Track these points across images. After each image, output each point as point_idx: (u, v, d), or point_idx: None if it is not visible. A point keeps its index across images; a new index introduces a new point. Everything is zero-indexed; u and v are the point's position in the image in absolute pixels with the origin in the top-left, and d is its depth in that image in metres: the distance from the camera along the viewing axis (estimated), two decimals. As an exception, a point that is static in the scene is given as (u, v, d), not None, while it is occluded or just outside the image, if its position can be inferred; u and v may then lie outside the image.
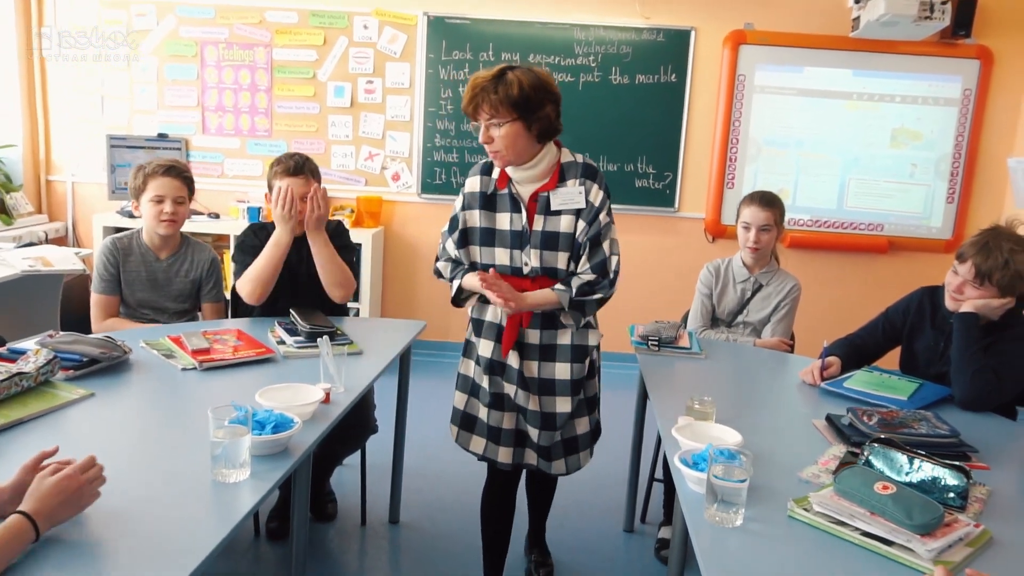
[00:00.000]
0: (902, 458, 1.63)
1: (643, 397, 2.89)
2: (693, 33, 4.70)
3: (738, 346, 2.85)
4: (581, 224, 2.16)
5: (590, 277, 2.16)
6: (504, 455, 2.27)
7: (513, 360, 2.21)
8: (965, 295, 2.26)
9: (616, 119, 4.78)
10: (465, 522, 2.95)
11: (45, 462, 1.39)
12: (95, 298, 2.75)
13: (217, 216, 4.75)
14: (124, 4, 4.74)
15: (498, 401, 2.25)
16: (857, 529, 1.44)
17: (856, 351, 2.55)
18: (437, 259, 2.38)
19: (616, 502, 3.12)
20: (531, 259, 2.18)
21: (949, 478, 1.58)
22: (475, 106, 2.10)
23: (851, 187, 4.82)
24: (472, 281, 2.21)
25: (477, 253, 2.25)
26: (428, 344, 4.92)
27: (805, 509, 1.52)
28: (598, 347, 2.35)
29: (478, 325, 2.31)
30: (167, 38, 4.78)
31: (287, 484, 2.50)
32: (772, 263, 2.97)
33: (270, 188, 2.73)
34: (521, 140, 2.10)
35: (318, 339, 2.17)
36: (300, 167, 2.67)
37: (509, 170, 2.18)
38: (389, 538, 2.87)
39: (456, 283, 2.29)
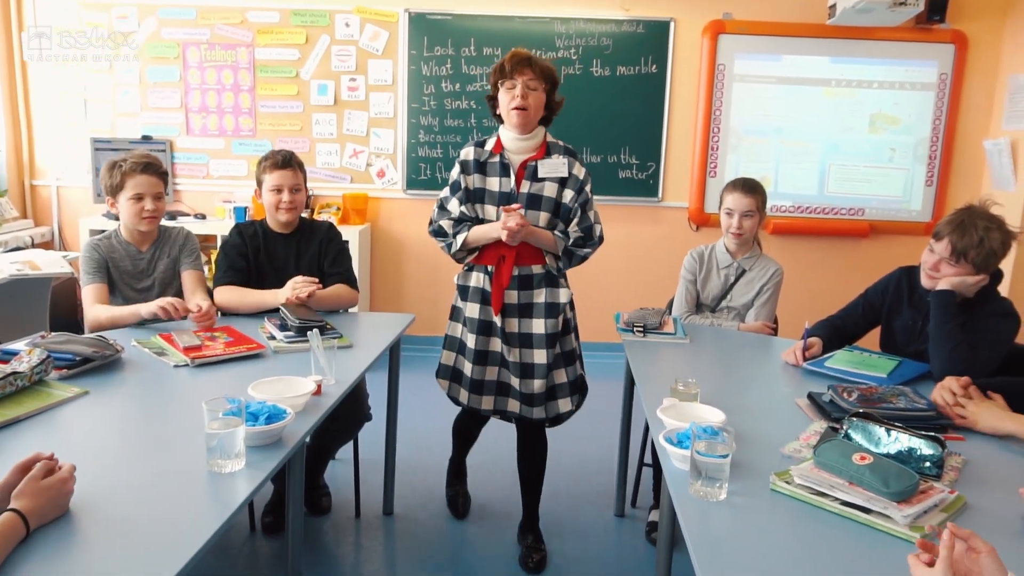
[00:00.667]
0: (880, 430, 1.68)
1: (630, 384, 2.94)
2: (672, 24, 4.74)
3: (722, 330, 2.90)
4: (569, 192, 2.51)
5: (581, 235, 2.50)
6: (487, 403, 2.64)
7: (496, 319, 2.53)
8: (941, 273, 2.32)
9: (598, 111, 4.82)
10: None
11: (27, 462, 1.41)
12: (86, 290, 2.71)
13: (204, 217, 4.77)
14: (105, 7, 4.74)
15: (482, 357, 2.58)
16: (837, 499, 1.48)
17: (837, 332, 2.61)
18: (432, 221, 2.63)
19: (606, 488, 3.17)
20: None
21: (925, 448, 1.63)
22: (522, 66, 2.42)
23: (831, 173, 4.89)
24: (481, 231, 2.51)
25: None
26: (417, 339, 4.95)
27: (787, 482, 1.56)
28: (572, 306, 2.66)
29: (464, 291, 2.62)
30: (149, 40, 4.78)
31: (281, 478, 2.54)
32: (755, 248, 3.02)
33: (259, 184, 2.85)
34: (540, 109, 2.49)
35: (308, 332, 2.20)
36: (288, 160, 2.82)
37: (506, 141, 2.52)
38: (384, 529, 2.91)
39: (460, 238, 2.54)
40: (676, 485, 1.59)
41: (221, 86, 4.85)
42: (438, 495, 3.14)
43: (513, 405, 2.60)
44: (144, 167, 2.72)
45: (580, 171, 2.52)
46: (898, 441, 1.65)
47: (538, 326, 2.55)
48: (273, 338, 2.48)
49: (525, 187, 2.50)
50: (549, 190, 2.50)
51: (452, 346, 2.67)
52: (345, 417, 2.68)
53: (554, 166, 2.50)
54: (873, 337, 2.65)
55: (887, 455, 1.61)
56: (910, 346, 2.46)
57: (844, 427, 1.74)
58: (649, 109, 4.84)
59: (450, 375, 2.67)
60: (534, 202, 2.49)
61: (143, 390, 2.08)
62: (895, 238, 4.93)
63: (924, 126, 4.82)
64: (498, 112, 2.53)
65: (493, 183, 2.52)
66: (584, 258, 2.55)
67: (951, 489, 1.53)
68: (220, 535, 1.38)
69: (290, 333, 2.47)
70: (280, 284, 2.74)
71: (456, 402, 2.71)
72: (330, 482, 3.08)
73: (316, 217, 4.71)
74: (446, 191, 2.60)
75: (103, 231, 2.86)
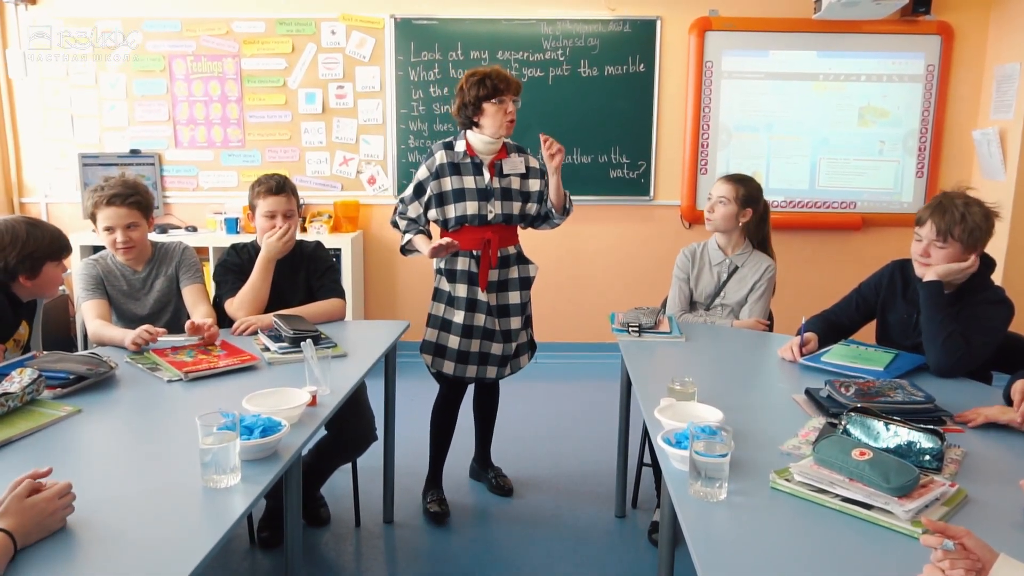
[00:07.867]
0: (878, 425, 1.68)
1: (627, 385, 2.93)
2: (659, 22, 4.74)
3: (718, 328, 2.89)
4: (537, 182, 2.94)
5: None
6: (471, 371, 2.97)
7: (482, 295, 2.87)
8: (932, 258, 2.32)
9: (587, 111, 4.82)
10: (458, 516, 3.00)
11: (20, 480, 1.39)
12: (86, 305, 2.68)
13: (195, 229, 4.75)
14: (89, 21, 4.72)
15: (468, 331, 2.90)
16: (837, 496, 1.48)
17: (832, 327, 2.60)
18: (394, 213, 2.97)
19: (607, 489, 3.16)
20: (495, 208, 2.86)
21: (924, 441, 1.62)
22: (513, 87, 2.80)
23: (822, 167, 4.89)
24: (420, 244, 2.86)
25: (452, 209, 2.85)
26: (412, 345, 4.87)
27: (787, 480, 1.55)
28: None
29: (451, 274, 2.91)
30: (134, 53, 4.76)
31: (276, 493, 2.52)
32: (747, 245, 3.01)
33: (252, 208, 2.84)
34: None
35: (302, 343, 2.18)
36: (281, 187, 2.81)
37: (476, 144, 2.84)
38: (384, 538, 2.90)
39: (408, 236, 2.91)
40: (676, 486, 1.58)
41: (208, 97, 4.83)
42: (438, 502, 3.13)
43: (491, 371, 2.97)
44: (111, 199, 2.59)
45: (535, 163, 2.96)
46: (897, 435, 1.64)
47: (514, 297, 2.96)
48: (267, 350, 2.47)
49: (497, 183, 2.87)
50: (515, 183, 2.91)
51: (435, 324, 2.97)
52: (351, 436, 2.72)
53: (514, 164, 2.92)
54: (870, 331, 2.65)
55: (886, 450, 1.61)
56: (906, 340, 2.45)
57: (843, 422, 1.74)
58: (638, 108, 4.84)
59: (433, 350, 2.97)
60: (506, 195, 2.88)
61: (137, 406, 2.07)
62: (887, 230, 4.93)
63: (913, 118, 4.83)
64: (475, 119, 2.80)
65: (469, 181, 2.85)
66: (568, 214, 3.01)
67: (951, 482, 1.52)
68: (218, 550, 1.37)
69: (284, 344, 2.46)
70: (274, 304, 2.77)
71: (439, 375, 3.01)
72: (329, 492, 3.06)
73: (308, 225, 4.72)
74: (410, 190, 2.90)
75: (95, 247, 2.82)
